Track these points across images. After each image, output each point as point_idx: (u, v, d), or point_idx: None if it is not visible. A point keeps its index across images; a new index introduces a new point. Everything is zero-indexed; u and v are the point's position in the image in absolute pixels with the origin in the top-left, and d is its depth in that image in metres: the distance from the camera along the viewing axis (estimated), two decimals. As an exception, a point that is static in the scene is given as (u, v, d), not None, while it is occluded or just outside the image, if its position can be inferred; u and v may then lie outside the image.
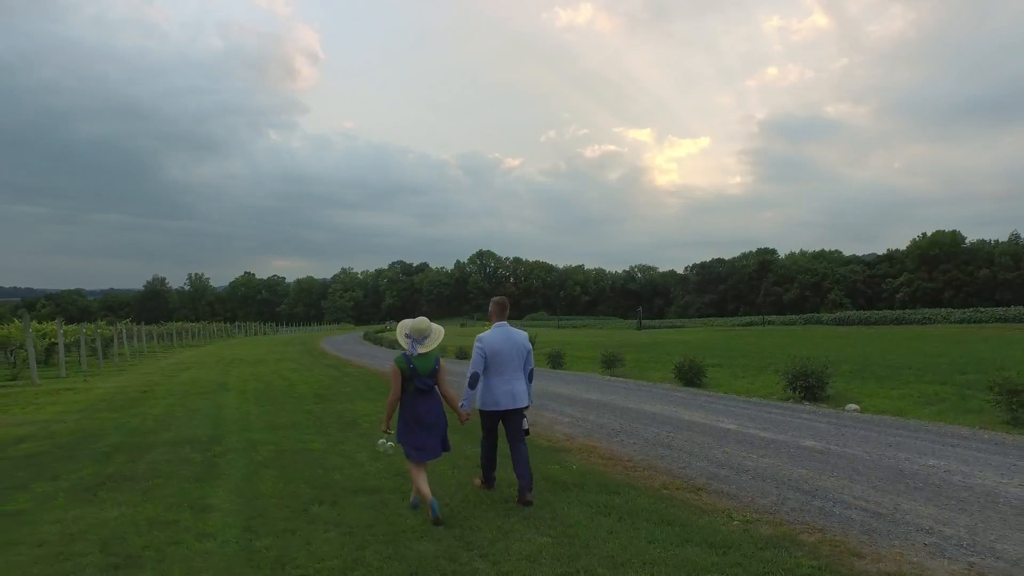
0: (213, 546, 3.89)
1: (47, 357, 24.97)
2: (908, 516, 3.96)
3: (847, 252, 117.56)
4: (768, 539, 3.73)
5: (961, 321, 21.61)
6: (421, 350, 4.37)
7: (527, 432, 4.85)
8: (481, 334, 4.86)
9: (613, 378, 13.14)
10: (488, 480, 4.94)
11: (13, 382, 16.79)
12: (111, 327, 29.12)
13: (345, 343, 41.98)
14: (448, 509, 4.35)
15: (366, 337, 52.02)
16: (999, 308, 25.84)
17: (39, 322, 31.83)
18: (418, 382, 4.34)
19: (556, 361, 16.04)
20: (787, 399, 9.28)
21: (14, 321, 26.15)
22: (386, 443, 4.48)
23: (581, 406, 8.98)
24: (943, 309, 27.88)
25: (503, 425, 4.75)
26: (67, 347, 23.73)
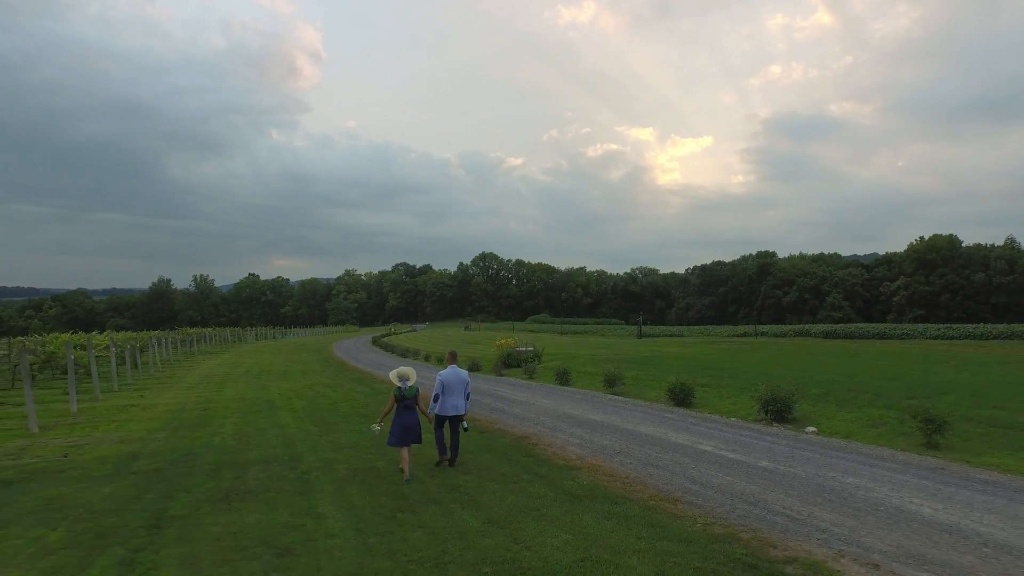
0: (340, 542, 5.69)
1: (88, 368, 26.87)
2: (815, 520, 5.75)
3: (850, 251, 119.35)
4: (718, 536, 5.53)
5: (936, 337, 23.36)
6: (406, 385, 7.89)
7: (466, 430, 8.53)
8: (441, 371, 8.47)
9: (614, 396, 14.93)
10: (442, 455, 8.33)
11: (66, 395, 18.63)
12: (146, 336, 30.98)
13: (357, 350, 43.77)
14: (498, 515, 6.15)
15: (376, 343, 53.74)
16: (969, 325, 27.62)
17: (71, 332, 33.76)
18: (406, 402, 7.86)
19: (564, 378, 17.79)
20: (760, 420, 11.06)
21: (57, 335, 28.03)
22: (376, 428, 8.23)
23: (588, 427, 10.78)
24: (920, 324, 29.66)
25: (449, 423, 8.37)
26: (99, 359, 25.54)
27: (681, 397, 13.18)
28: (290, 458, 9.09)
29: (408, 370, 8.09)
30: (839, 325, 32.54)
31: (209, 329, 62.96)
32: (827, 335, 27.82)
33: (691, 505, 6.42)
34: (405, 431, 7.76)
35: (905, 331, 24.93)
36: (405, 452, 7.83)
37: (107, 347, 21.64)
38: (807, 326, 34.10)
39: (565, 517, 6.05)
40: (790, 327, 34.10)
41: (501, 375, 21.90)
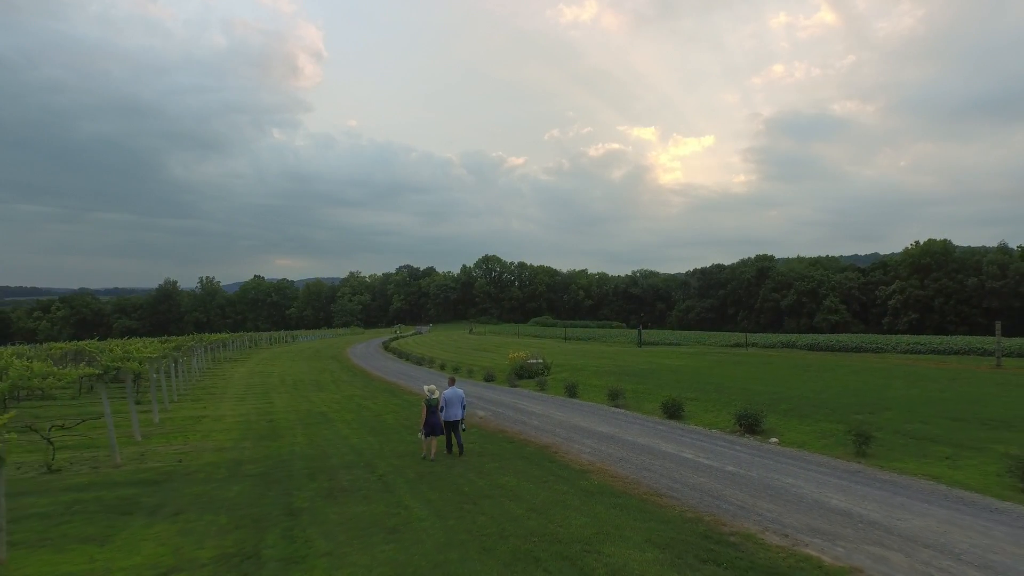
0: (428, 524, 8.25)
1: (136, 379, 29.51)
2: (756, 508, 8.32)
3: (852, 251, 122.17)
4: (689, 519, 8.09)
5: (905, 352, 25.88)
6: (432, 396, 11.69)
7: (464, 430, 12.47)
8: (445, 390, 12.18)
9: (617, 409, 17.49)
10: (448, 447, 12.17)
11: (138, 405, 21.24)
12: (191, 340, 33.61)
13: (373, 357, 46.28)
14: (535, 505, 8.72)
15: (387, 349, 56.28)
16: (937, 337, 30.14)
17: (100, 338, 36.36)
18: (430, 408, 11.68)
19: (572, 391, 20.36)
20: (735, 432, 13.62)
21: (103, 346, 30.60)
22: (420, 436, 11.94)
23: (595, 438, 13.35)
24: (895, 336, 32.24)
25: (452, 426, 12.09)
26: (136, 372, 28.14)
27: (672, 411, 15.73)
28: (365, 464, 11.67)
29: (433, 386, 12.29)
30: (823, 336, 35.08)
31: (226, 334, 65.62)
32: (811, 347, 30.37)
33: (672, 499, 8.99)
34: (431, 427, 11.74)
35: (880, 345, 27.47)
36: (432, 442, 11.78)
37: (163, 358, 24.22)
38: (795, 336, 36.67)
39: (583, 507, 8.63)
40: (778, 337, 36.66)
41: (515, 385, 24.45)
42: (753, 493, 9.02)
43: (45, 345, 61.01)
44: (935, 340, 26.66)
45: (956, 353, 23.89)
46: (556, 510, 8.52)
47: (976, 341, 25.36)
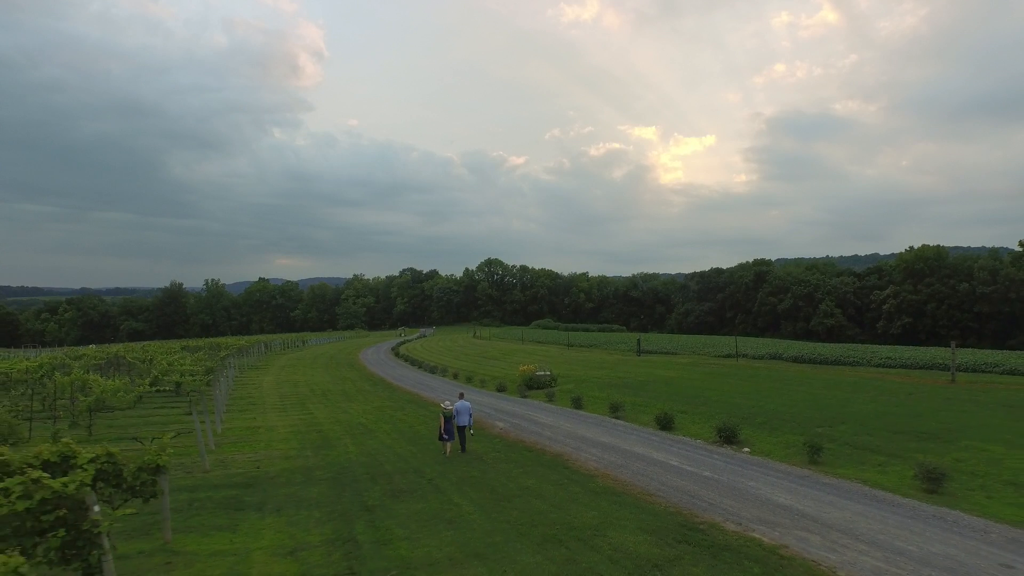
0: (476, 517, 10.96)
1: (177, 388, 32.31)
2: (722, 504, 11.03)
3: (852, 251, 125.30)
4: (671, 512, 10.80)
5: (879, 365, 28.56)
6: (447, 408, 15.65)
7: (472, 434, 16.46)
8: (456, 403, 16.16)
9: (617, 420, 20.22)
10: (462, 448, 15.79)
11: (189, 416, 23.95)
12: (223, 351, 36.36)
13: (387, 364, 48.97)
14: (555, 503, 11.44)
15: (398, 355, 58.95)
16: (909, 349, 32.84)
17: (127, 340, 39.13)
18: (447, 418, 15.57)
19: (578, 403, 23.08)
20: (715, 442, 16.33)
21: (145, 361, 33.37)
22: (444, 440, 15.70)
23: (599, 447, 16.08)
24: (872, 346, 34.97)
25: (462, 430, 15.84)
26: (194, 382, 30.92)
27: (664, 423, 18.44)
28: (414, 470, 14.38)
29: (447, 402, 16.23)
30: (809, 347, 37.78)
31: (242, 338, 68.44)
32: (796, 359, 33.12)
33: (659, 497, 11.71)
34: (447, 432, 15.38)
35: (857, 359, 30.25)
36: (447, 446, 15.54)
37: (209, 373, 26.94)
38: (783, 346, 39.37)
39: (591, 503, 11.36)
40: (767, 347, 39.32)
41: (525, 396, 27.16)
42: (721, 493, 11.74)
43: (68, 348, 63.77)
44: (906, 353, 29.30)
45: (922, 368, 26.59)
46: (571, 506, 11.25)
47: (940, 355, 28.06)
